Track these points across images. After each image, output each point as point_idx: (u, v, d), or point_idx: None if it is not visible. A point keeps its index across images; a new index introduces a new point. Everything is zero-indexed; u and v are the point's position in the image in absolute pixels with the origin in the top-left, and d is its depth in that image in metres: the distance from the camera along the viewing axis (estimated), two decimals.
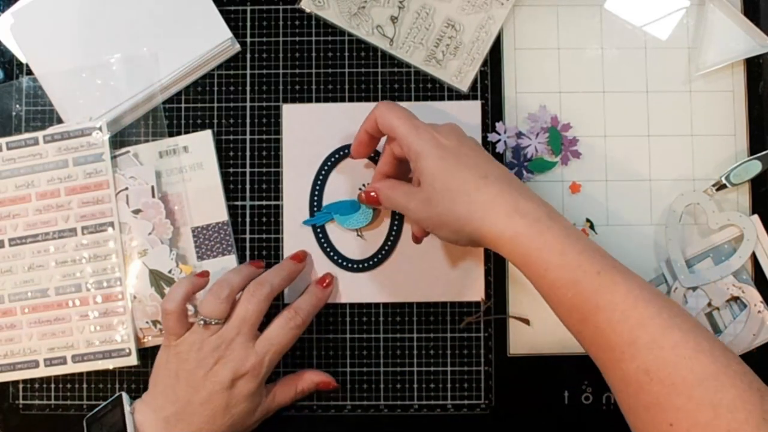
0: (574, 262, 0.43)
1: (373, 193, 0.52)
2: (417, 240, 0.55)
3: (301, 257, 0.57)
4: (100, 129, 0.58)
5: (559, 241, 0.44)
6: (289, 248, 0.59)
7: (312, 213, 0.59)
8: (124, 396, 0.52)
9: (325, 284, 0.57)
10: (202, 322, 0.50)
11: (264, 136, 0.60)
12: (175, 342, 0.51)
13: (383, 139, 0.54)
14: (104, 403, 0.53)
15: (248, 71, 0.60)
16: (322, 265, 0.58)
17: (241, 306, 0.51)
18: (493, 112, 0.60)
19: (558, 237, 0.44)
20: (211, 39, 0.58)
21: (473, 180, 0.46)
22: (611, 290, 0.43)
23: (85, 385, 0.58)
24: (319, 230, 0.59)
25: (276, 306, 0.57)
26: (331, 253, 0.58)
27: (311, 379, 0.56)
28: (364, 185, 0.59)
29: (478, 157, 0.48)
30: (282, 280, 0.54)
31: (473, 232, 0.46)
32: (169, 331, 0.51)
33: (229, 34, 0.58)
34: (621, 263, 0.45)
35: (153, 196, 0.58)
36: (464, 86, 0.60)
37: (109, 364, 0.57)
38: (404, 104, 0.59)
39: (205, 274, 0.54)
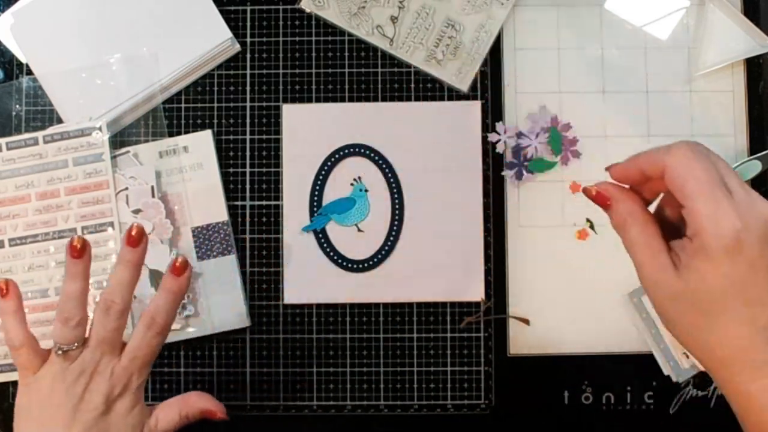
0: None
1: (609, 202, 0.40)
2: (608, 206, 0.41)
3: (136, 239, 0.46)
4: (100, 129, 0.58)
5: None
6: (289, 248, 0.59)
7: (312, 213, 0.59)
8: None
9: (178, 272, 0.47)
10: (60, 351, 0.45)
11: (264, 136, 0.60)
12: (33, 378, 0.46)
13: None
14: None
15: (248, 71, 0.60)
16: (322, 265, 0.58)
17: (95, 329, 0.46)
18: (493, 112, 0.60)
19: None
20: (211, 39, 0.58)
21: (740, 318, 0.36)
22: None
23: None
24: (319, 231, 0.59)
25: None
26: (331, 254, 0.58)
27: (196, 404, 0.49)
28: (356, 180, 0.59)
29: (765, 287, 0.36)
30: (129, 283, 0.47)
31: (706, 362, 0.39)
32: (24, 366, 0.46)
33: (229, 34, 0.58)
34: None
35: (153, 196, 0.58)
36: (464, 86, 0.60)
37: None
38: (404, 104, 0.59)
39: (11, 294, 0.48)
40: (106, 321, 0.46)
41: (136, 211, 0.57)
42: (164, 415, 0.48)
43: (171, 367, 0.58)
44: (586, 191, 0.41)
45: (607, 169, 0.42)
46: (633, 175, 0.40)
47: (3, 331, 0.47)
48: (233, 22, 0.60)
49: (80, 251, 0.46)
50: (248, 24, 0.60)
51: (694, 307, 0.37)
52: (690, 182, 0.36)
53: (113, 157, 0.58)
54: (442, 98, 0.60)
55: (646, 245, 0.39)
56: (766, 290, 0.36)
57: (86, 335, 0.46)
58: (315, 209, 0.59)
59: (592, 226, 0.59)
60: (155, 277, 0.57)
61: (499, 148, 0.59)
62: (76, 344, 0.45)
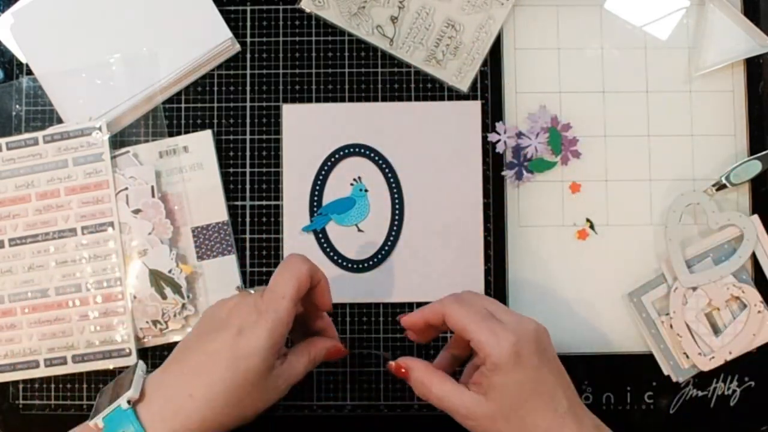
0: None
1: (403, 370, 0.48)
2: (416, 339, 0.52)
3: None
4: (99, 129, 0.58)
5: None
6: (288, 249, 0.59)
7: (312, 213, 0.59)
8: (140, 363, 0.48)
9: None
10: (238, 288, 0.48)
11: (264, 136, 0.60)
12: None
13: None
14: (124, 373, 0.49)
15: (248, 71, 0.60)
16: (322, 265, 0.58)
17: (274, 274, 0.48)
18: (493, 112, 0.60)
19: None
20: (211, 39, 0.58)
21: (543, 414, 0.45)
22: None
23: (85, 385, 0.58)
24: (319, 231, 0.59)
25: None
26: (332, 254, 0.58)
27: (323, 344, 0.51)
28: (356, 180, 0.59)
29: (553, 383, 0.46)
30: (323, 275, 0.50)
31: None
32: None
33: (229, 34, 0.58)
34: None
35: (153, 196, 0.58)
36: (464, 86, 0.60)
37: (110, 364, 0.57)
38: (404, 104, 0.59)
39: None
40: (289, 277, 0.47)
41: (136, 211, 0.57)
42: (295, 358, 0.49)
43: None
44: (389, 367, 0.50)
45: (398, 318, 0.51)
46: (419, 324, 0.49)
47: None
48: (233, 22, 0.60)
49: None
50: (248, 24, 0.60)
51: (509, 419, 0.44)
52: (466, 322, 0.45)
53: (113, 157, 0.58)
54: (442, 98, 0.60)
55: (451, 393, 0.46)
56: (553, 384, 0.46)
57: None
58: (315, 209, 0.59)
59: (592, 226, 0.59)
60: (155, 276, 0.57)
61: (499, 148, 0.59)
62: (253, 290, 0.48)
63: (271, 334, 0.45)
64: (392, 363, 0.49)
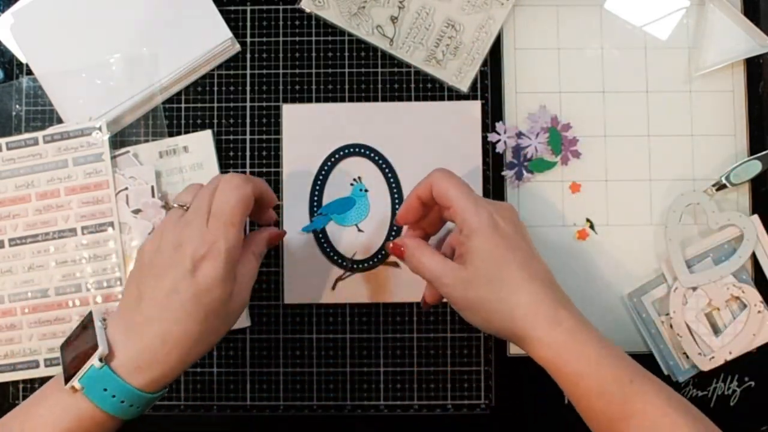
0: (608, 372, 0.45)
1: (402, 248, 0.50)
2: (426, 306, 0.54)
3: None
4: (99, 129, 0.58)
5: (595, 352, 0.45)
6: (288, 249, 0.59)
7: (312, 213, 0.59)
8: (95, 311, 0.47)
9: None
10: (175, 204, 0.47)
11: (264, 136, 0.60)
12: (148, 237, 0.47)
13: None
14: (76, 326, 0.48)
15: (248, 71, 0.60)
16: (322, 264, 0.58)
17: (202, 192, 0.47)
18: (493, 112, 0.60)
19: (594, 348, 0.45)
20: (211, 39, 0.58)
21: (521, 277, 0.46)
22: (643, 399, 0.44)
23: None
24: (319, 231, 0.59)
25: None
26: (331, 254, 0.58)
27: (260, 237, 0.51)
28: (356, 179, 0.59)
29: (528, 252, 0.48)
30: (268, 188, 0.50)
31: (508, 329, 0.46)
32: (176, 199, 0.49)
33: (229, 34, 0.58)
34: (650, 373, 0.46)
35: (153, 196, 0.58)
36: (464, 86, 0.60)
37: None
38: (404, 104, 0.59)
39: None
40: (209, 186, 0.47)
41: (136, 211, 0.57)
42: (242, 266, 0.48)
43: None
44: (387, 248, 0.52)
45: (397, 220, 0.52)
46: (414, 205, 0.50)
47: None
48: (233, 22, 0.60)
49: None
50: (248, 24, 0.60)
51: (487, 285, 0.46)
52: (450, 190, 0.47)
53: (113, 157, 0.58)
54: (442, 98, 0.60)
55: (435, 262, 0.48)
56: (528, 252, 0.48)
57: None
58: (315, 209, 0.59)
59: (592, 226, 0.59)
60: None
61: (499, 148, 0.59)
62: (184, 204, 0.47)
63: (226, 263, 0.45)
64: (390, 243, 0.51)
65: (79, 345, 0.45)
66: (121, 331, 0.45)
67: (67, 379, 0.43)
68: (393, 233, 0.59)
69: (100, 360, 0.43)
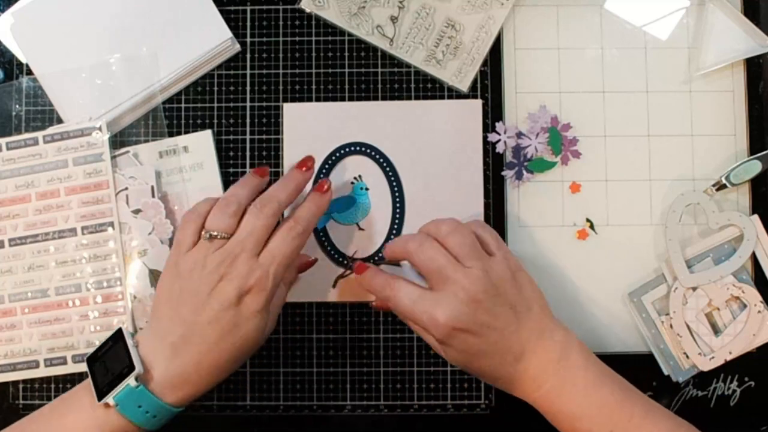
0: (604, 414, 0.47)
1: (384, 305, 0.52)
2: (378, 308, 0.56)
3: (309, 164, 0.53)
4: (99, 129, 0.58)
5: (588, 391, 0.47)
6: None
7: None
8: (124, 329, 0.48)
9: (324, 189, 0.52)
10: (207, 235, 0.48)
11: (264, 136, 0.60)
12: (182, 259, 0.48)
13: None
14: (104, 341, 0.49)
15: (248, 71, 0.60)
16: (323, 264, 0.58)
17: (247, 221, 0.48)
18: (493, 112, 0.60)
19: (587, 386, 0.47)
20: (211, 39, 0.58)
21: (519, 344, 0.48)
22: None
23: None
24: (320, 230, 0.59)
25: None
26: (332, 252, 0.58)
27: (294, 266, 0.55)
28: (356, 178, 0.59)
29: (521, 302, 0.49)
30: (289, 193, 0.51)
31: (499, 377, 0.49)
32: (181, 243, 0.49)
33: (229, 34, 0.58)
34: (653, 402, 0.48)
35: (153, 196, 0.58)
36: (464, 86, 0.60)
37: None
38: (404, 103, 0.59)
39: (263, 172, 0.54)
40: (259, 215, 0.48)
41: (136, 211, 0.57)
42: (276, 297, 0.51)
43: None
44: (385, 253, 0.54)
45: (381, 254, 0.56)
46: (391, 259, 0.53)
47: (194, 206, 0.50)
48: (233, 22, 0.60)
49: (311, 166, 0.53)
50: (248, 24, 0.60)
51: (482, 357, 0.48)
52: (408, 306, 0.48)
53: (113, 157, 0.58)
54: (442, 98, 0.60)
55: (408, 297, 0.49)
56: (523, 306, 0.49)
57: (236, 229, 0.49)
58: None
59: (592, 226, 0.59)
60: (155, 276, 0.57)
61: (499, 148, 0.59)
62: (225, 234, 0.48)
63: (269, 297, 0.48)
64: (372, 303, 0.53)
65: (111, 361, 0.47)
66: (156, 351, 0.46)
67: (100, 395, 0.45)
68: (394, 232, 0.59)
69: (136, 380, 0.44)
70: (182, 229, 0.49)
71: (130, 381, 0.44)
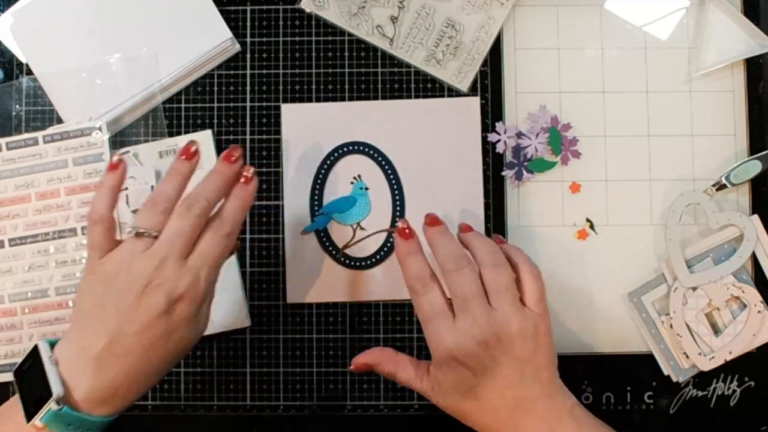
0: None
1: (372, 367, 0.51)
2: (359, 369, 0.51)
3: (235, 155, 0.48)
4: (99, 129, 0.58)
5: None
6: (289, 248, 0.59)
7: (312, 212, 0.59)
8: (41, 345, 0.44)
9: (245, 180, 0.48)
10: (134, 232, 0.44)
11: (264, 136, 0.60)
12: (100, 261, 0.45)
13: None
14: (26, 355, 0.45)
15: (248, 71, 0.60)
16: (323, 263, 0.58)
17: (174, 221, 0.45)
18: (493, 112, 0.60)
19: None
20: (211, 39, 0.58)
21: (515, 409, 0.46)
22: None
23: None
24: (320, 231, 0.59)
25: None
26: (333, 251, 0.58)
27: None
28: (356, 178, 0.59)
29: (519, 371, 0.47)
30: (218, 189, 0.47)
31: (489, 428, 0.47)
32: (95, 245, 0.45)
33: (229, 34, 0.58)
34: None
35: None
36: (464, 86, 0.60)
37: None
38: (403, 101, 0.59)
39: (116, 165, 0.48)
40: (187, 216, 0.45)
41: (136, 211, 0.57)
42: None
43: None
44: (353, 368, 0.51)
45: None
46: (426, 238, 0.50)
47: (92, 205, 0.46)
48: (233, 22, 0.60)
49: (192, 154, 0.48)
50: (248, 24, 0.60)
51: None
52: (452, 287, 0.47)
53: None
54: (442, 98, 0.60)
55: (412, 380, 0.50)
56: (519, 373, 0.46)
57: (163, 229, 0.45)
58: (315, 208, 0.59)
59: (592, 226, 0.59)
60: None
61: (499, 148, 0.59)
62: (154, 232, 0.44)
63: (201, 303, 0.46)
64: (353, 367, 0.50)
65: (32, 381, 0.43)
66: (79, 367, 0.43)
67: (28, 416, 0.42)
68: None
69: (57, 403, 0.41)
70: (94, 231, 0.46)
71: (51, 405, 0.41)
